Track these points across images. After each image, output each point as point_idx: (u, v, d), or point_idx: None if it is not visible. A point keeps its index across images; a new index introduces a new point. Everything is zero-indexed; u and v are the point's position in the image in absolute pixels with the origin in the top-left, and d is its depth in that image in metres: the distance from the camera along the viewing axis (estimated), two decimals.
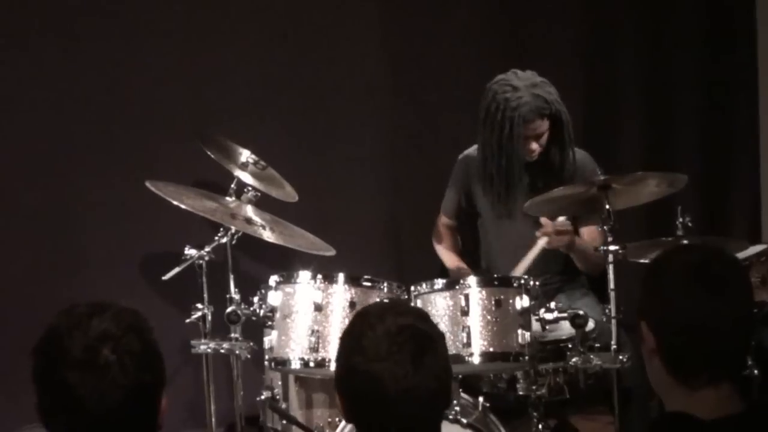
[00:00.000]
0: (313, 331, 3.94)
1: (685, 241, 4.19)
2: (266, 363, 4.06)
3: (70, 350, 2.09)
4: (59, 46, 4.90)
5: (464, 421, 3.68)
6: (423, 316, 2.46)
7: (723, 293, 2.26)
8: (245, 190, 4.51)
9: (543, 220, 4.47)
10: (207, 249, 4.35)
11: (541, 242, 4.46)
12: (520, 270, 4.41)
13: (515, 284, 3.98)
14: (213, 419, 4.48)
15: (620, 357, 3.97)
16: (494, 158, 4.65)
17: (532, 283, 3.99)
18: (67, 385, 2.08)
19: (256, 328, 4.15)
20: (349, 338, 2.42)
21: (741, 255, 4.40)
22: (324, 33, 5.29)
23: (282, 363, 4.00)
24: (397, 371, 2.31)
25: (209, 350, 4.30)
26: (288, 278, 4.06)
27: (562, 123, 4.63)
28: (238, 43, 5.17)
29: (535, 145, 4.63)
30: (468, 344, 3.84)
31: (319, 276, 4.02)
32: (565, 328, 4.09)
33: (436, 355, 2.38)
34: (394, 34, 5.39)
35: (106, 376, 2.08)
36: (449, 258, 5.00)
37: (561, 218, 4.48)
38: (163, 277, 4.40)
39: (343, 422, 3.96)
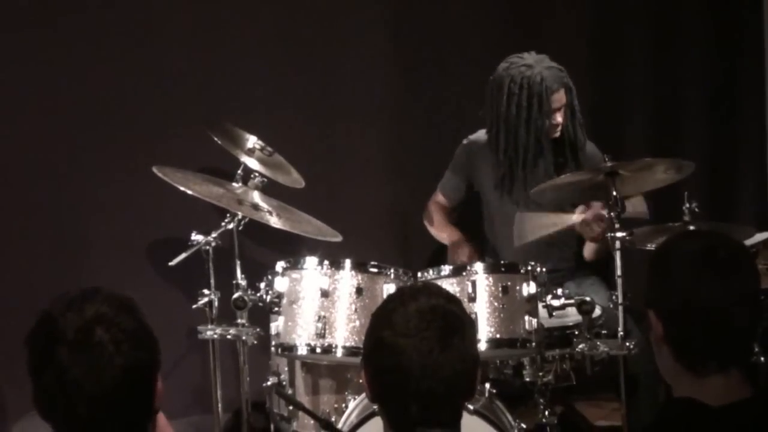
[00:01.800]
0: (319, 317, 3.95)
1: (692, 227, 4.19)
2: (273, 349, 4.07)
3: (64, 332, 2.09)
4: (66, 34, 4.90)
5: (470, 407, 3.68)
6: (456, 301, 2.48)
7: (729, 279, 2.26)
8: (252, 176, 4.50)
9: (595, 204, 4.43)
10: (214, 235, 4.35)
11: (575, 217, 4.43)
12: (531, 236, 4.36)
13: (522, 271, 3.97)
14: (219, 405, 4.48)
15: (627, 343, 3.97)
16: (520, 138, 4.65)
17: (539, 269, 3.99)
18: (63, 367, 2.08)
19: (262, 313, 4.16)
20: (380, 313, 2.46)
21: (748, 242, 4.39)
22: (331, 20, 5.28)
23: (288, 349, 4.01)
24: (422, 347, 2.34)
25: (216, 336, 4.30)
26: (295, 264, 4.06)
27: (572, 91, 4.70)
28: (246, 29, 5.16)
29: (559, 118, 4.66)
30: None
31: (326, 262, 4.02)
32: (572, 315, 4.09)
33: (464, 338, 2.40)
34: (400, 22, 5.38)
35: (102, 355, 2.08)
36: (448, 231, 4.93)
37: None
38: (170, 263, 4.40)
39: (350, 407, 3.97)
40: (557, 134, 4.69)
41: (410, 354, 2.34)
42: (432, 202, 5.03)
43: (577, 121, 4.73)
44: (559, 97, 4.64)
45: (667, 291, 2.30)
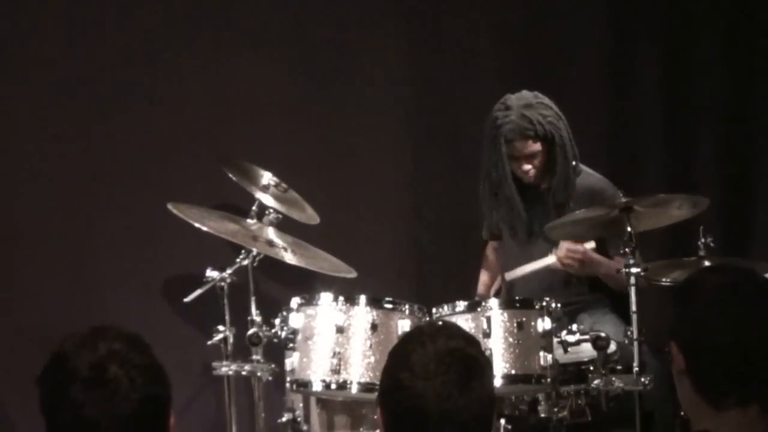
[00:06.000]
0: (334, 353, 3.94)
1: (707, 262, 4.17)
2: (288, 385, 4.07)
3: (78, 370, 2.09)
4: (83, 69, 4.93)
5: None
6: (474, 342, 2.45)
7: (754, 315, 2.25)
8: (267, 212, 4.52)
9: (563, 242, 4.46)
10: (229, 271, 4.36)
11: (550, 259, 4.46)
12: (514, 274, 4.38)
13: (537, 306, 3.97)
14: None
15: (642, 379, 3.95)
16: (485, 175, 4.67)
17: (554, 305, 3.99)
18: (78, 405, 2.07)
19: (277, 350, 4.16)
20: (398, 353, 2.42)
21: None
22: (346, 56, 5.30)
23: (303, 385, 4.00)
24: (442, 391, 2.30)
25: (231, 372, 4.30)
26: (309, 300, 4.07)
27: (554, 145, 4.57)
28: (261, 65, 5.18)
29: (527, 167, 4.59)
30: None
31: (341, 298, 4.03)
32: (587, 350, 4.08)
33: (483, 381, 2.37)
34: (417, 56, 5.40)
35: (118, 391, 2.08)
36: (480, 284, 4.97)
37: (588, 244, 4.45)
38: (185, 299, 4.42)
39: None
40: (530, 180, 4.64)
41: (429, 398, 2.30)
42: (485, 249, 5.03)
43: (558, 176, 4.60)
44: (521, 147, 4.54)
45: (690, 323, 2.29)
